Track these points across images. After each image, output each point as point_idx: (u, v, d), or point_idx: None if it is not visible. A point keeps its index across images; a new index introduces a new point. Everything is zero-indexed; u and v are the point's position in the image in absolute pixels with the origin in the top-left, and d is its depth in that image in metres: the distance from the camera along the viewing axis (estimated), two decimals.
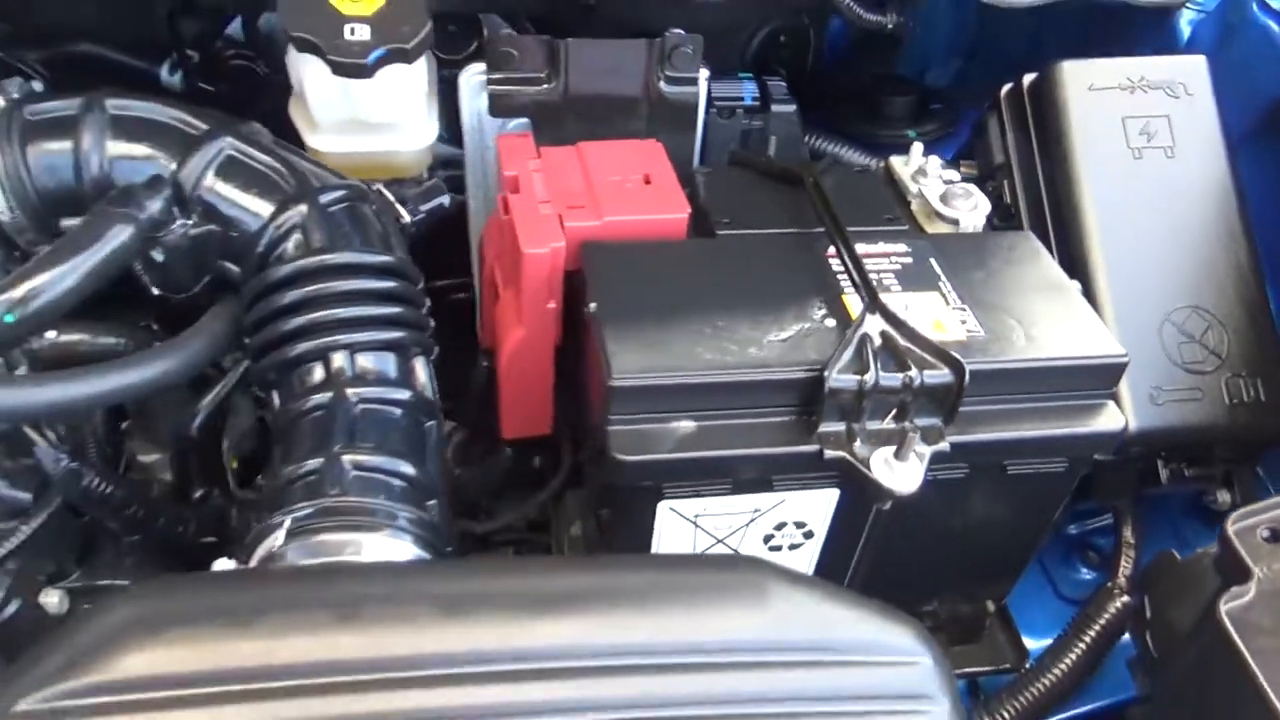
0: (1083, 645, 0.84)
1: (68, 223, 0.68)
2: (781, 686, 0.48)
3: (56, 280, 0.60)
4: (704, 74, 0.88)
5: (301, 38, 0.68)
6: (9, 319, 0.58)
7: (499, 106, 0.86)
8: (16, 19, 0.90)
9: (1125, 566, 0.87)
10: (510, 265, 0.77)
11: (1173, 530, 0.95)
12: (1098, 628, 0.84)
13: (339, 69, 0.69)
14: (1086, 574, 0.99)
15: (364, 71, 0.70)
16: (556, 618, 0.47)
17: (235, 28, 1.04)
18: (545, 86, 0.85)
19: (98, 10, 0.93)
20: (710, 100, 0.90)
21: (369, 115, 0.81)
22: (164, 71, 0.99)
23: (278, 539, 0.54)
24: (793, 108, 0.93)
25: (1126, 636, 0.83)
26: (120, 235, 0.62)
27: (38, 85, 0.79)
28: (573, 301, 0.76)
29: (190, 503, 0.79)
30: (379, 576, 0.50)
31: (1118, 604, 0.84)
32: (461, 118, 0.89)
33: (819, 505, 0.70)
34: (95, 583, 0.73)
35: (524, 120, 0.87)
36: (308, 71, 0.78)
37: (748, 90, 0.92)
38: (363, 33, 0.69)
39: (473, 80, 0.86)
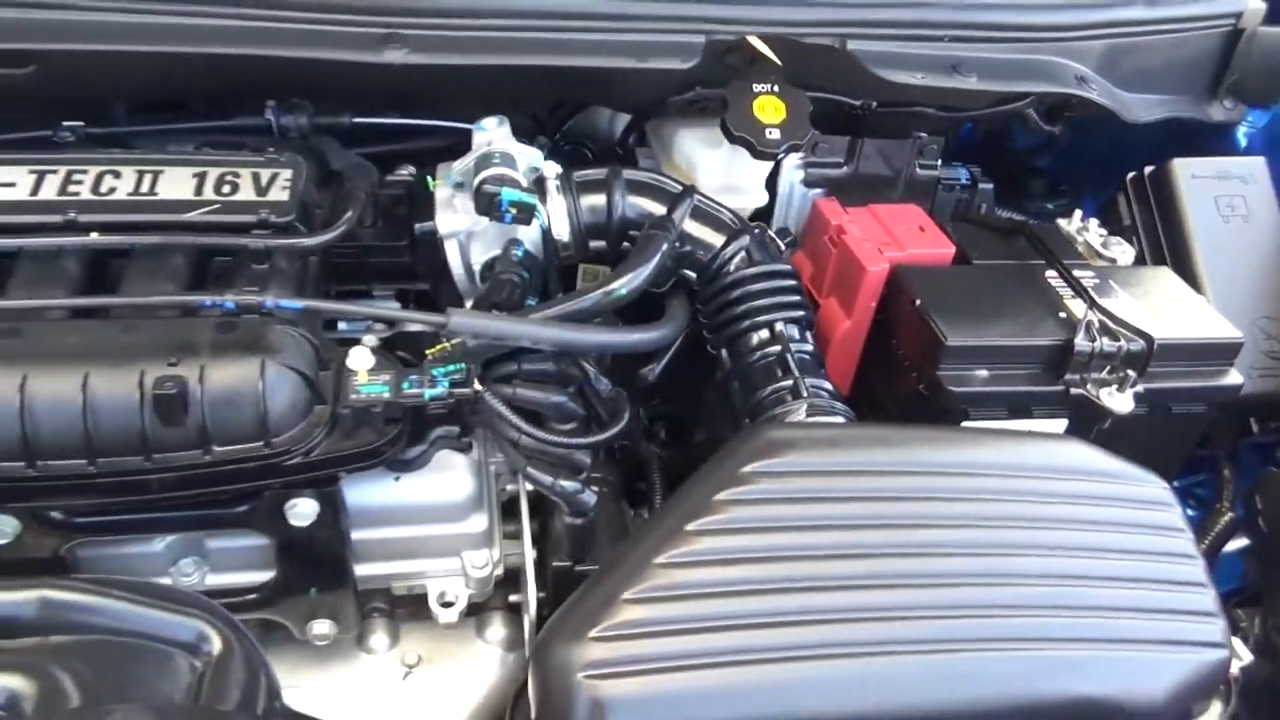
0: (1202, 545, 1.25)
1: (596, 244, 1.10)
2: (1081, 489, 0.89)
3: (640, 273, 1.01)
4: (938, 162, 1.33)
5: (742, 137, 1.12)
6: (622, 293, 0.99)
7: (810, 179, 1.30)
8: None
9: (1227, 492, 1.29)
10: (842, 280, 1.20)
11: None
12: (1213, 534, 1.26)
13: (760, 155, 1.13)
14: (1190, 513, 1.41)
15: (774, 157, 1.13)
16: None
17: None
18: (844, 169, 1.30)
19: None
20: (938, 179, 1.35)
21: (740, 182, 1.24)
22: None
23: (800, 413, 0.95)
24: (991, 185, 1.38)
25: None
26: (662, 247, 1.04)
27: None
28: (883, 303, 1.18)
29: None
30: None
31: (1226, 517, 1.26)
32: (779, 185, 1.32)
33: (1055, 429, 1.12)
34: None
35: (821, 190, 1.31)
36: (701, 153, 1.23)
37: (961, 174, 1.37)
38: (774, 134, 1.13)
39: (793, 161, 1.30)
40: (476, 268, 1.08)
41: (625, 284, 1.00)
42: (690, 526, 0.80)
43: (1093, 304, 1.11)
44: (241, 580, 1.00)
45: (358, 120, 1.16)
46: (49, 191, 0.95)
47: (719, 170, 1.24)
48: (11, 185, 0.95)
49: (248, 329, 0.87)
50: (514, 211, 1.00)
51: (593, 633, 0.75)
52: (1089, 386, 1.08)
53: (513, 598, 1.13)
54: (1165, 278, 1.23)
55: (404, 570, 1.06)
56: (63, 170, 0.97)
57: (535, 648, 0.78)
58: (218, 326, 0.87)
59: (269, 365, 0.85)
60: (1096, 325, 1.09)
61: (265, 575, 1.00)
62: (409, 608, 1.13)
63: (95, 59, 1.03)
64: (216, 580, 1.01)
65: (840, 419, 1.00)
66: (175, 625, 0.77)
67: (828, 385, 1.04)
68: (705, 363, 1.14)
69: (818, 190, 1.32)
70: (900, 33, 1.17)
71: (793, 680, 0.76)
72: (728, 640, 0.76)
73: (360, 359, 0.92)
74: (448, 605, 1.06)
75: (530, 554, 1.04)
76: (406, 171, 1.14)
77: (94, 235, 0.91)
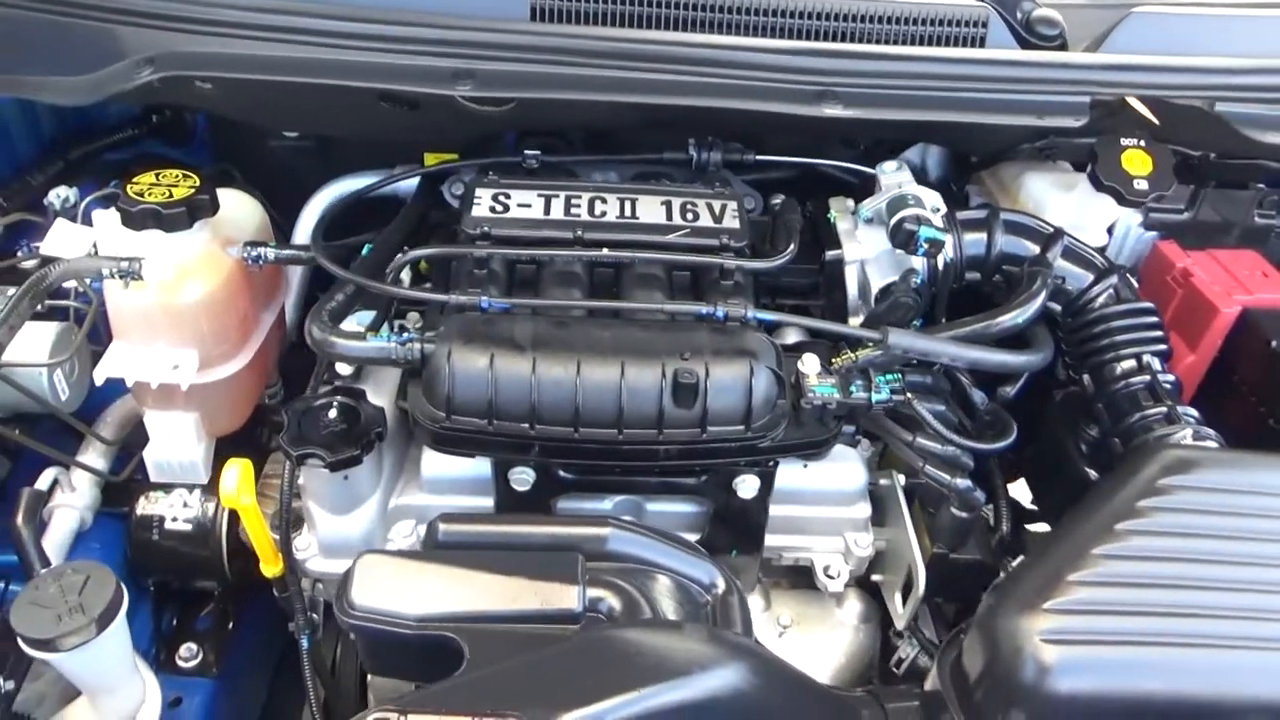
0: None
1: (970, 275, 1.26)
2: None
3: (1031, 306, 1.16)
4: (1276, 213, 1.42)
5: (1111, 186, 1.25)
6: (1018, 322, 1.15)
7: (1150, 223, 1.42)
8: None
9: None
10: (1186, 318, 1.32)
11: None
12: None
13: (1127, 203, 1.26)
14: None
15: (1140, 206, 1.27)
16: None
17: None
18: (1184, 214, 1.41)
19: None
20: (1273, 229, 1.44)
21: (1085, 223, 1.37)
22: None
23: (1186, 436, 1.09)
24: None
25: None
26: (1048, 283, 1.19)
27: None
28: (1228, 342, 1.29)
29: None
30: None
31: None
32: (1115, 227, 1.44)
33: None
34: None
35: (1156, 233, 1.43)
36: (1051, 194, 1.37)
37: None
38: (1142, 185, 1.26)
39: (1131, 208, 1.42)
40: (874, 290, 1.25)
41: (1021, 314, 1.16)
42: (1120, 526, 0.95)
43: None
44: None
45: (760, 159, 1.36)
46: (557, 212, 1.18)
47: (1068, 211, 1.37)
48: (528, 206, 1.19)
49: (736, 334, 1.07)
50: (927, 246, 1.17)
51: (1045, 605, 0.91)
52: None
53: (875, 577, 1.30)
54: None
55: (796, 544, 1.25)
56: (563, 195, 1.20)
57: (983, 617, 0.95)
58: (712, 331, 1.07)
59: (755, 365, 1.05)
60: None
61: (691, 537, 1.21)
62: (775, 577, 1.32)
63: (561, 104, 1.26)
64: None
65: (1215, 444, 1.12)
66: (696, 566, 0.98)
67: (1194, 412, 1.17)
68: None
69: (1153, 233, 1.44)
70: (1265, 96, 1.28)
71: (1211, 665, 0.90)
72: (1156, 625, 0.90)
73: (811, 364, 1.11)
74: (831, 578, 1.24)
75: (915, 542, 1.21)
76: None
77: (605, 251, 1.13)
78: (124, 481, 1.37)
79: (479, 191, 1.20)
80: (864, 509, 1.24)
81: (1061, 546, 0.96)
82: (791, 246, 1.18)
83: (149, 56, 1.25)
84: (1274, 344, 1.22)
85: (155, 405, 1.32)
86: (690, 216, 1.19)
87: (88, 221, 1.47)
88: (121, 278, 1.19)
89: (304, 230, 1.47)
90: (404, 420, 1.16)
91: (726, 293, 1.13)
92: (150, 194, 1.22)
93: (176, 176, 1.26)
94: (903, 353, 1.10)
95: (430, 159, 1.50)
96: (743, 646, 0.92)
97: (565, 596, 0.89)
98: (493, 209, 1.18)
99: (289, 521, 1.15)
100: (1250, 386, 1.26)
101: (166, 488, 1.39)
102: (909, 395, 1.11)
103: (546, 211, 1.18)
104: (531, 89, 1.20)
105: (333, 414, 1.12)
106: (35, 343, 1.28)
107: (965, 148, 1.45)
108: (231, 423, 1.40)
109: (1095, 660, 0.90)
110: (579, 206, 1.19)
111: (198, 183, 1.25)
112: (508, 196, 1.19)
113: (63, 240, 1.37)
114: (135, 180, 1.24)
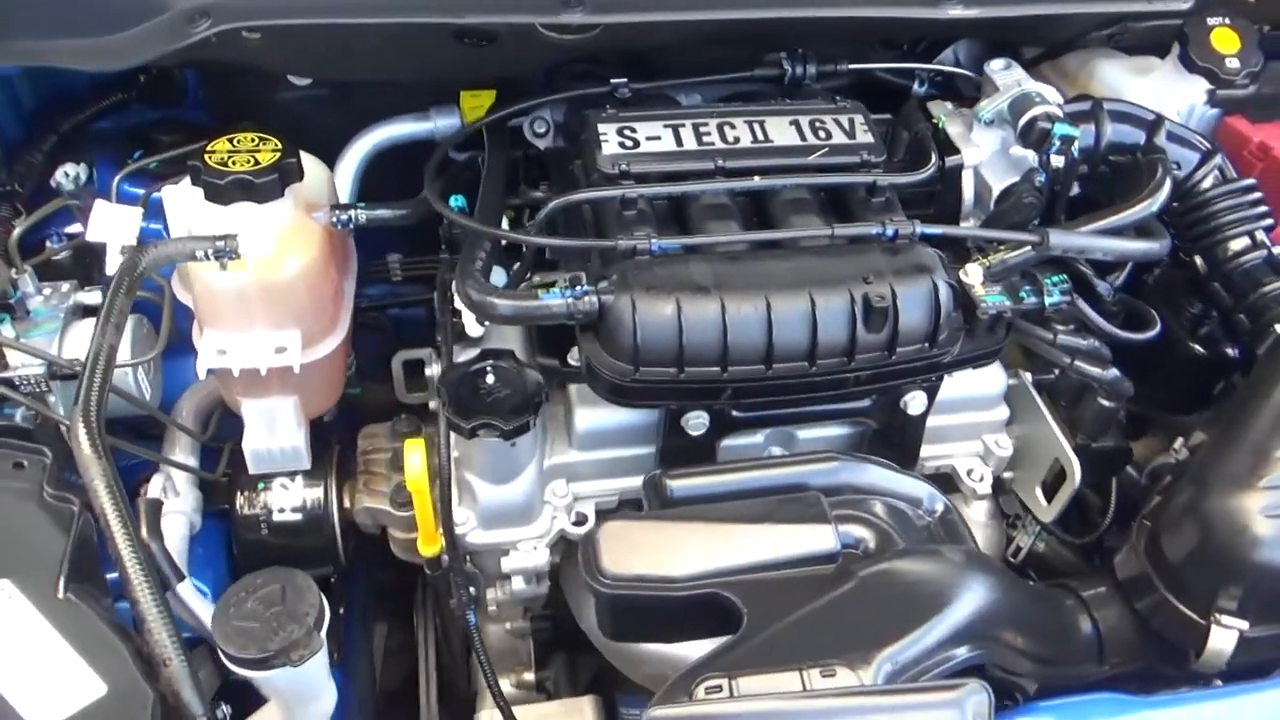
0: None
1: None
2: None
3: (1163, 192, 1.18)
4: None
5: (1206, 68, 1.27)
6: (1154, 210, 1.16)
7: (1217, 100, 1.44)
8: None
9: None
10: (1272, 190, 1.36)
11: None
12: None
13: (1222, 84, 1.29)
14: None
15: (1234, 84, 1.29)
16: None
17: None
18: (1249, 88, 1.44)
19: None
20: None
21: (1158, 106, 1.39)
22: None
23: None
24: None
25: None
26: (1170, 168, 1.20)
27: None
28: None
29: None
30: None
31: None
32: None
33: None
34: None
35: (1219, 109, 1.46)
36: (1128, 80, 1.38)
37: None
38: (1234, 63, 1.28)
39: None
40: (994, 193, 1.24)
41: (1154, 202, 1.17)
42: None
43: None
44: None
45: (854, 66, 1.32)
46: (689, 143, 1.12)
47: (1147, 95, 1.38)
48: (658, 139, 1.12)
49: (908, 252, 1.05)
50: (1059, 143, 1.16)
51: (1261, 484, 0.94)
52: None
53: (1005, 474, 1.33)
54: None
55: (939, 452, 1.26)
56: (689, 124, 1.14)
57: (1191, 500, 0.97)
58: (884, 250, 1.05)
59: (937, 281, 1.03)
60: None
61: None
62: None
63: (648, 27, 1.18)
64: None
65: None
66: (915, 487, 0.98)
67: None
68: None
69: (1216, 110, 1.47)
70: None
71: None
72: None
73: (975, 274, 1.09)
74: (976, 481, 1.26)
75: (1062, 436, 1.22)
76: None
77: (756, 180, 1.08)
78: (221, 477, 1.27)
79: (602, 128, 1.12)
80: (1003, 411, 1.26)
81: (1254, 427, 1.00)
82: (933, 158, 1.16)
83: (201, 6, 1.12)
84: None
85: (248, 393, 1.21)
86: (822, 135, 1.15)
87: (123, 200, 1.33)
88: (217, 258, 1.08)
89: (342, 185, 1.36)
90: None
91: (878, 210, 1.10)
92: (233, 162, 1.10)
93: (252, 140, 1.14)
94: (1062, 252, 1.10)
95: (467, 99, 1.40)
96: (985, 561, 0.93)
97: (821, 537, 0.87)
98: (623, 145, 1.11)
99: (449, 498, 1.09)
100: None
101: (263, 480, 1.29)
102: (1075, 296, 1.12)
103: (679, 143, 1.12)
104: (635, 11, 1.13)
105: (490, 379, 1.06)
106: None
107: (1044, 39, 1.43)
108: (326, 401, 1.30)
109: None
110: (710, 135, 1.13)
111: (280, 145, 1.13)
112: (634, 131, 1.12)
113: (108, 224, 1.23)
114: (211, 149, 1.11)
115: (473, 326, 1.13)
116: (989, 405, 1.25)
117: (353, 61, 1.31)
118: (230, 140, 1.13)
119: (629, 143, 1.11)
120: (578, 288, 0.99)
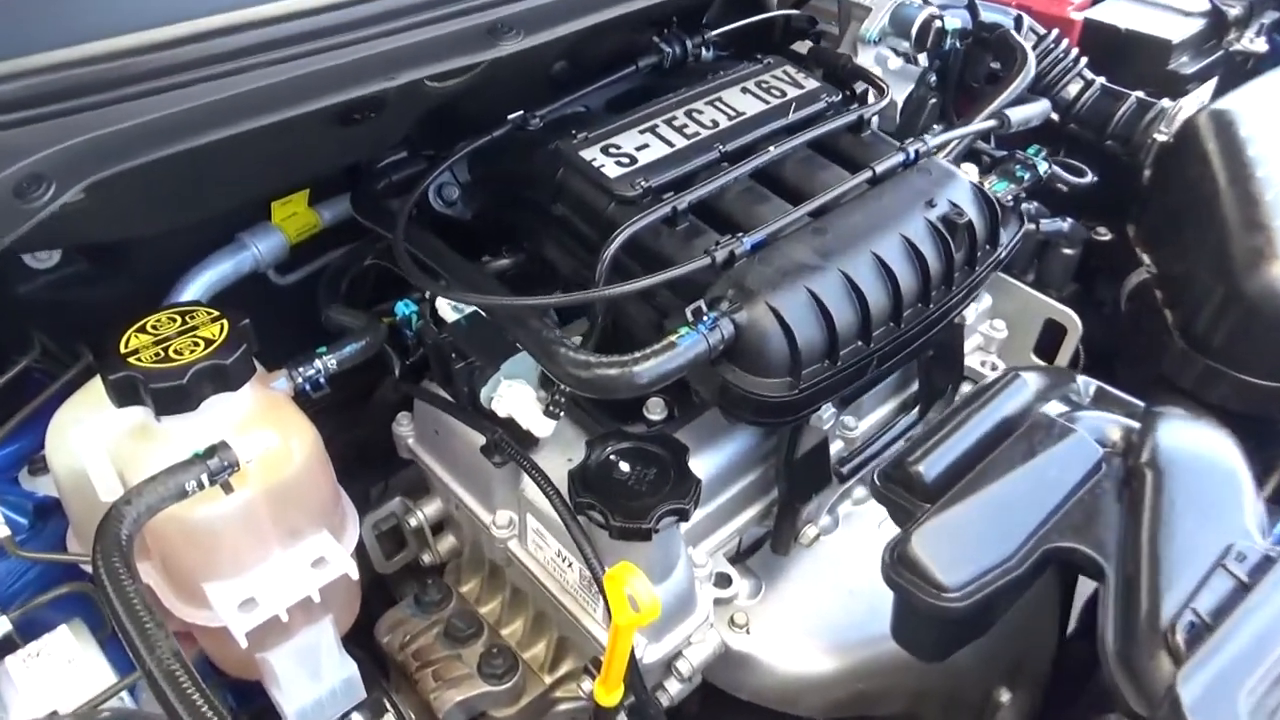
0: None
1: None
2: None
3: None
4: None
5: None
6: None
7: None
8: None
9: None
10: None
11: None
12: None
13: None
14: None
15: None
16: None
17: None
18: None
19: None
20: None
21: None
22: None
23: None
24: None
25: None
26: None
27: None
28: None
29: None
30: None
31: None
32: None
33: None
34: None
35: None
36: None
37: None
38: None
39: None
40: (899, 105, 1.27)
41: (1032, 67, 1.26)
42: None
43: None
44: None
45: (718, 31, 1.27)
46: (678, 140, 1.01)
47: None
48: (646, 147, 0.99)
49: (934, 169, 1.03)
50: (955, 40, 1.21)
51: None
52: None
53: None
54: None
55: None
56: (660, 122, 1.03)
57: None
58: (919, 174, 1.02)
59: (975, 187, 1.03)
60: None
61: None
62: None
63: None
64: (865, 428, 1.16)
65: None
66: (1060, 376, 0.97)
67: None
68: None
69: None
70: None
71: None
72: None
73: (973, 171, 1.11)
74: (993, 370, 1.30)
75: (1046, 298, 1.29)
76: None
77: (772, 150, 1.00)
78: None
79: (585, 154, 0.97)
80: (986, 299, 1.30)
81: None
82: (886, 90, 1.14)
83: (32, 171, 0.77)
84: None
85: (266, 642, 0.90)
86: (776, 94, 1.09)
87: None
88: (214, 482, 0.77)
89: None
90: None
91: (871, 144, 1.08)
92: (174, 353, 0.79)
93: (158, 322, 0.83)
94: (1019, 126, 1.16)
95: (279, 210, 1.16)
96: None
97: (1083, 449, 0.84)
98: (620, 164, 0.97)
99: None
100: None
101: None
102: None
103: (669, 144, 1.00)
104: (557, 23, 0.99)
105: (624, 467, 0.87)
106: None
107: None
108: (355, 602, 1.01)
109: None
110: (688, 126, 1.02)
111: (203, 309, 0.84)
112: (619, 147, 0.99)
113: None
114: (122, 352, 0.79)
115: (542, 425, 0.93)
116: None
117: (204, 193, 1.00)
118: (139, 331, 0.82)
119: (625, 159, 0.97)
120: (705, 320, 0.84)
